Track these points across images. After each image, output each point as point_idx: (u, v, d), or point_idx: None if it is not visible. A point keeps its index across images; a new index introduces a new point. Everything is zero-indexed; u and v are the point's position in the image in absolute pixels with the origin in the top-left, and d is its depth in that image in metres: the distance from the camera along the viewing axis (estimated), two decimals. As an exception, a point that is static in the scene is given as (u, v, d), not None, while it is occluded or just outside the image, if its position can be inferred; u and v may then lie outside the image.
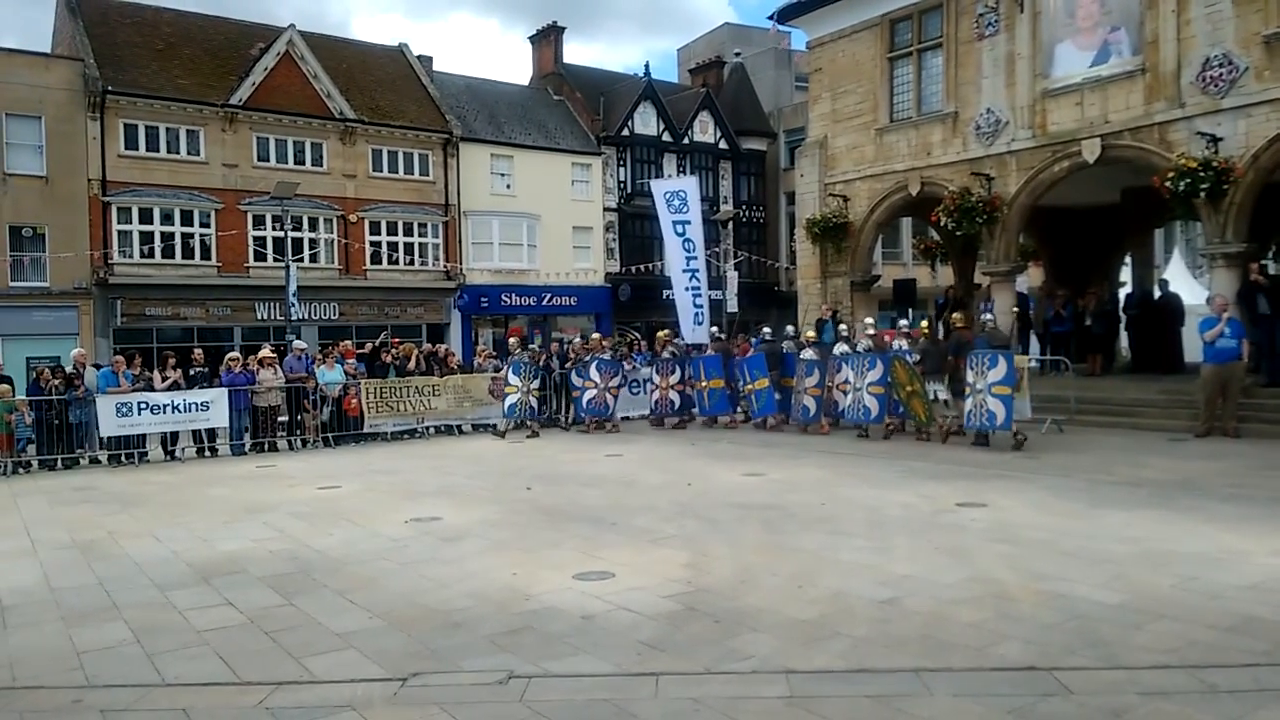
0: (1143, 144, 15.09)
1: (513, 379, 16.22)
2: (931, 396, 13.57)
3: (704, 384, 16.60)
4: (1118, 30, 15.50)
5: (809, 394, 15.09)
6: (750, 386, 16.04)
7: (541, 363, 17.44)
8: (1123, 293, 20.20)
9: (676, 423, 16.91)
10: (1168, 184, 14.12)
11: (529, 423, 16.39)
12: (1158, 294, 18.25)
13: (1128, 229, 19.97)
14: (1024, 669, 4.48)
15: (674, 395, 16.93)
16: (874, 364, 14.16)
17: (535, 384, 16.47)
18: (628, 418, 17.85)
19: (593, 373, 16.44)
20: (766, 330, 18.23)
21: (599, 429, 16.37)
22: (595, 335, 18.36)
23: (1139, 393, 15.14)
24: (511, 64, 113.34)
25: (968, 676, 4.43)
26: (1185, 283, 23.37)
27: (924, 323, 15.26)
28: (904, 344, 14.77)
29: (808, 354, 15.36)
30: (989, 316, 14.84)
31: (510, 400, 16.19)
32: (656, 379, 17.09)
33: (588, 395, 16.40)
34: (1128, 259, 21.38)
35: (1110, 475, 10.11)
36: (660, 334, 18.65)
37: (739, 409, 16.88)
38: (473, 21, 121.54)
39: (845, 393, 14.55)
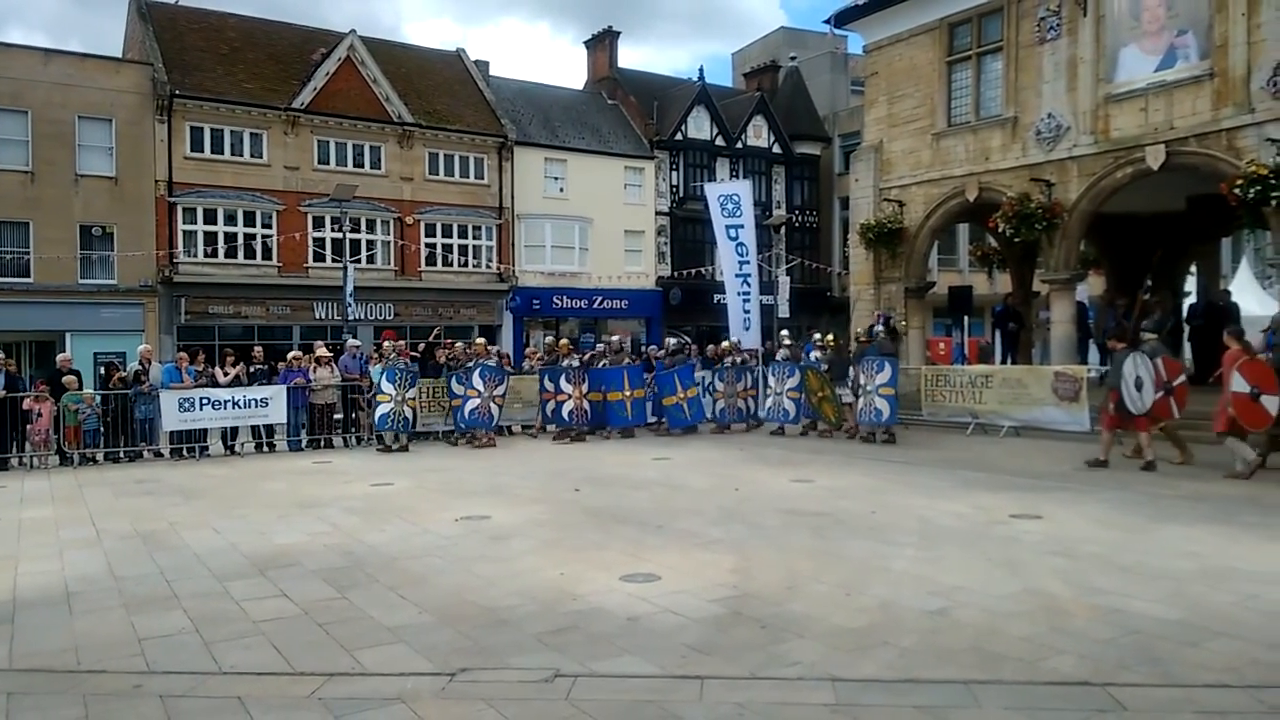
0: (1210, 150, 14.69)
1: (386, 387, 14.94)
2: (841, 400, 15.44)
3: (680, 395, 16.47)
4: (1185, 34, 15.13)
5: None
6: (680, 395, 16.36)
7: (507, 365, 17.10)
8: (1187, 303, 19.70)
9: (574, 435, 15.79)
10: (1236, 191, 13.73)
11: (401, 436, 15.04)
12: (1219, 302, 17.75)
13: (1193, 237, 19.47)
14: (1077, 684, 4.39)
15: (586, 405, 15.95)
16: (792, 372, 16.34)
17: (411, 393, 15.18)
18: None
19: (476, 380, 15.15)
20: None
21: (481, 442, 14.97)
22: (480, 340, 16.94)
23: (1200, 404, 14.71)
24: (561, 67, 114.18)
25: (1019, 690, 4.35)
26: (1254, 293, 22.73)
27: (830, 335, 17.47)
28: (817, 354, 16.93)
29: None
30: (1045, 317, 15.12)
31: (382, 410, 14.88)
32: (567, 388, 15.91)
33: (470, 405, 15.08)
34: (1193, 268, 20.84)
35: (1172, 490, 9.86)
36: (562, 342, 17.65)
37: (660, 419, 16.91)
38: (523, 26, 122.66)
39: (767, 396, 16.69)
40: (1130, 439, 12.18)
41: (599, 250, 33.07)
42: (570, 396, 15.91)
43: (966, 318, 24.89)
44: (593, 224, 32.99)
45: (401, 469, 12.67)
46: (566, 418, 15.93)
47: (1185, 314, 18.52)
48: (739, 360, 17.90)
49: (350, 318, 20.97)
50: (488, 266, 31.15)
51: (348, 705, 4.28)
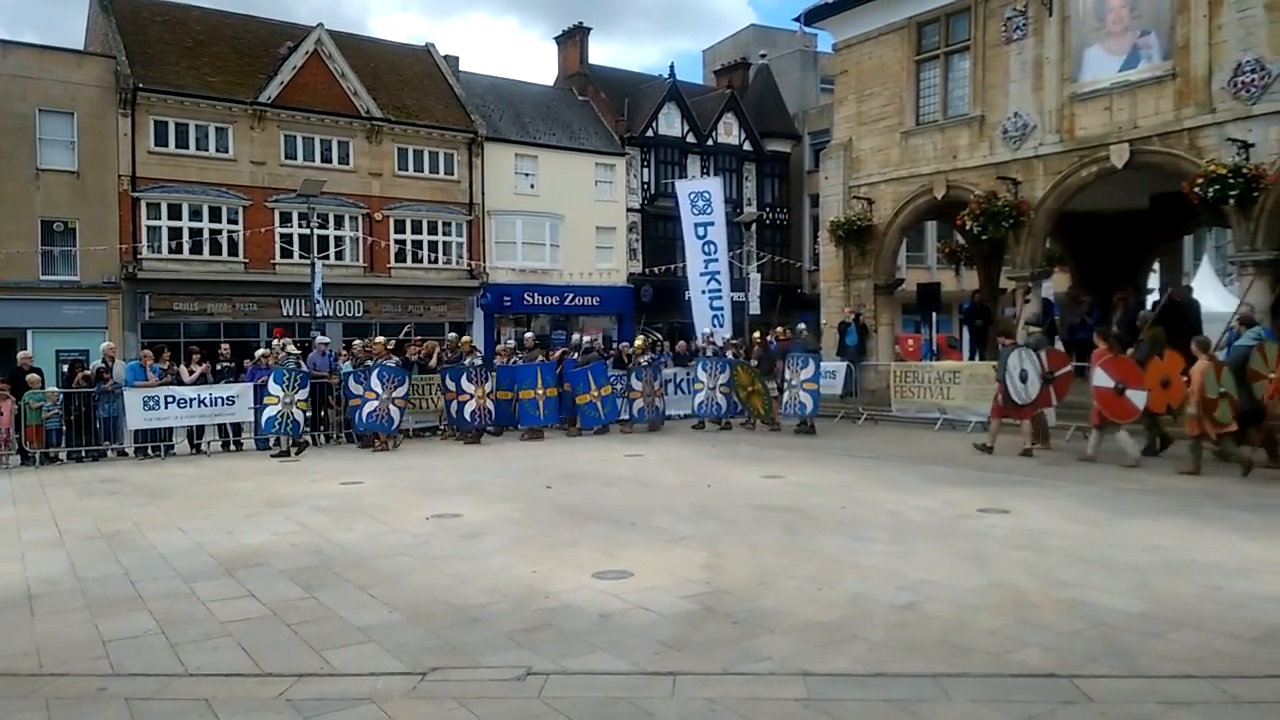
0: (1172, 149, 14.93)
1: (273, 389, 14.17)
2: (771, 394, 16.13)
3: (594, 393, 15.99)
4: (1148, 34, 15.35)
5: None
6: (594, 394, 15.95)
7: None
8: (1150, 300, 19.99)
9: (470, 436, 15.28)
10: (1197, 190, 13.97)
11: (296, 440, 14.30)
12: (1178, 299, 18.00)
13: (1156, 235, 19.76)
14: (1044, 676, 4.45)
15: (490, 405, 15.40)
16: (724, 368, 16.74)
17: (301, 394, 14.32)
18: (671, 417, 17.75)
19: (374, 382, 14.57)
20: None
21: (382, 447, 14.40)
22: (379, 340, 16.16)
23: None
24: (529, 62, 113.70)
25: (986, 682, 4.40)
26: (1215, 290, 23.11)
27: (756, 334, 18.14)
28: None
29: (712, 350, 17.84)
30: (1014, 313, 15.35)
31: (269, 413, 14.14)
32: (470, 388, 15.30)
33: (368, 407, 14.50)
34: (1156, 265, 21.17)
35: (1135, 484, 10.02)
36: (464, 339, 16.96)
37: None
38: (490, 21, 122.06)
39: (699, 391, 16.84)
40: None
41: (570, 247, 33.00)
42: (472, 396, 15.26)
43: (935, 314, 25.09)
44: (564, 220, 32.93)
45: (372, 467, 12.58)
46: (468, 418, 15.27)
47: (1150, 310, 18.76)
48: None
49: (318, 315, 20.79)
50: (458, 263, 30.99)
51: (317, 706, 4.25)
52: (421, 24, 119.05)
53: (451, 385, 15.42)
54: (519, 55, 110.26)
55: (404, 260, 29.80)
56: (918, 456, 12.59)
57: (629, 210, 34.92)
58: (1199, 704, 4.11)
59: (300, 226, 26.93)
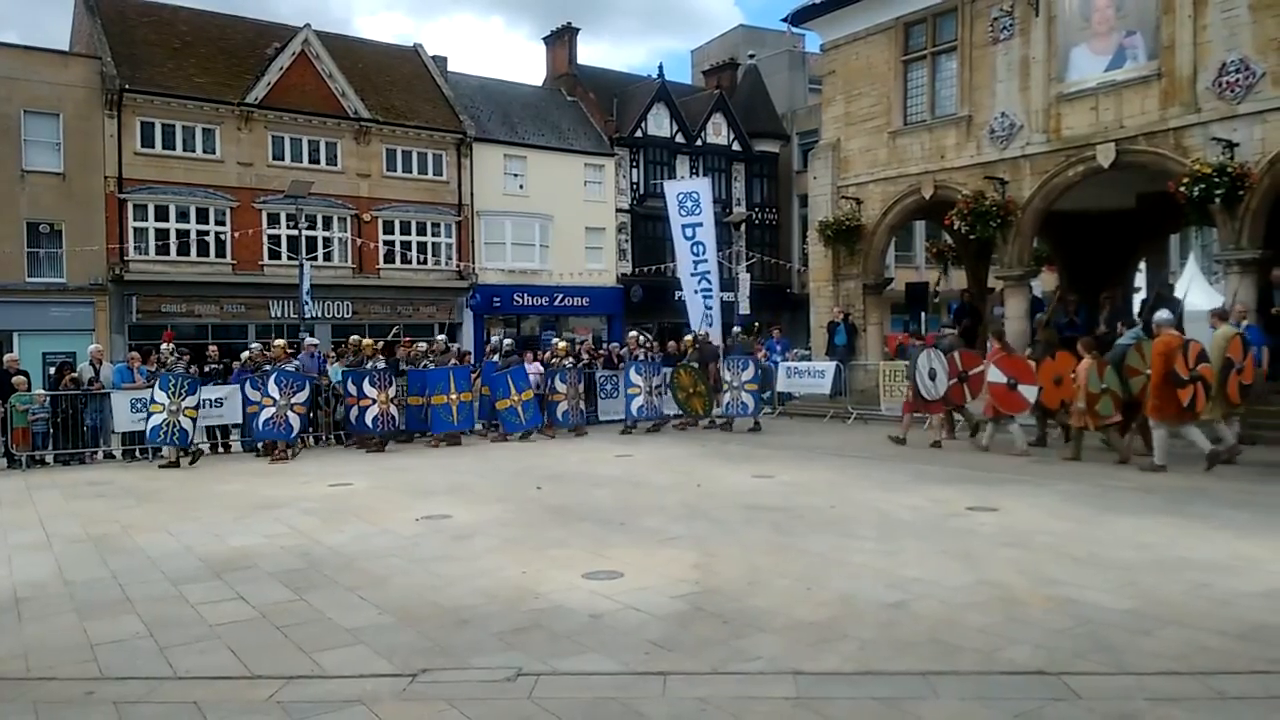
0: (1158, 149, 15.01)
1: (159, 396, 13.29)
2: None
3: (515, 398, 15.35)
4: (1133, 34, 15.43)
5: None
6: (514, 399, 15.33)
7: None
8: (1138, 298, 20.10)
9: (375, 443, 14.53)
10: (1182, 189, 14.05)
11: (186, 449, 13.53)
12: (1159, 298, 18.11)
13: (1143, 234, 19.86)
14: (1032, 673, 4.47)
15: (394, 410, 14.77)
16: (657, 370, 16.79)
17: (189, 401, 13.41)
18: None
19: (271, 387, 13.76)
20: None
21: (277, 455, 13.62)
22: (279, 343, 15.34)
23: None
24: (516, 62, 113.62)
25: (975, 680, 4.42)
26: (1201, 289, 23.25)
27: (689, 337, 18.32)
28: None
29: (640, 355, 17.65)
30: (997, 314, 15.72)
31: (154, 421, 13.30)
32: (372, 392, 14.57)
33: (265, 414, 13.72)
34: (1142, 264, 21.28)
35: (1123, 482, 10.08)
36: (365, 342, 15.90)
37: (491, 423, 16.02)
38: (475, 21, 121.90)
39: (635, 395, 16.53)
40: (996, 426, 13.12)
41: (560, 247, 33.00)
42: (375, 401, 14.55)
43: (923, 313, 25.16)
44: (553, 221, 32.92)
45: (361, 469, 12.54)
46: (370, 424, 14.51)
47: (1137, 310, 18.84)
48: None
49: (307, 316, 20.72)
50: (447, 264, 30.95)
51: (307, 708, 4.24)
52: (407, 23, 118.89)
53: (353, 389, 14.72)
54: (507, 55, 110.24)
55: (393, 261, 29.74)
56: (906, 455, 12.62)
57: (618, 211, 34.94)
58: (1186, 700, 4.14)
59: (288, 228, 26.88)
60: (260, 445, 14.29)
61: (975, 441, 13.31)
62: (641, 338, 18.45)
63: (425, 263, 30.35)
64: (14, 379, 13.83)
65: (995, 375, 12.55)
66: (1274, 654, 4.68)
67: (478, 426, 15.93)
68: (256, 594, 6.16)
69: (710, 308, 19.99)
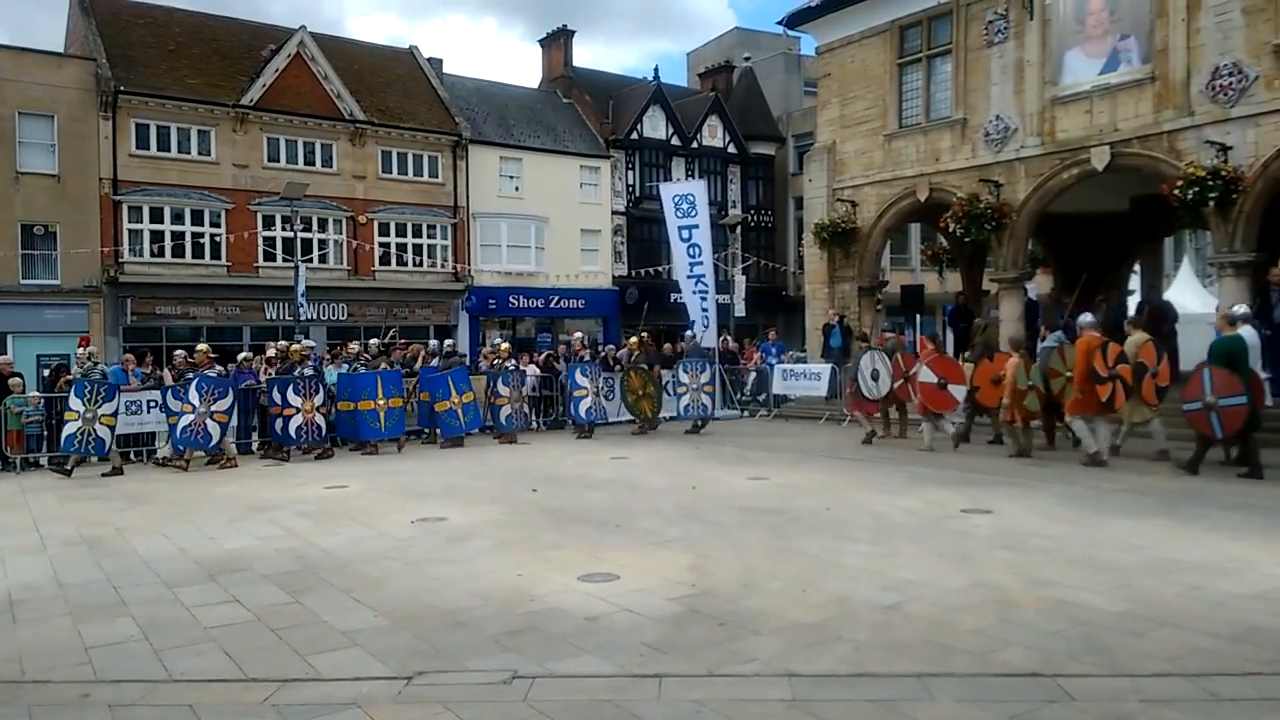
0: (1152, 152, 15.07)
1: (74, 404, 12.65)
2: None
3: (455, 400, 14.97)
4: (1127, 38, 15.49)
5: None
6: (454, 401, 14.95)
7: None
8: (1132, 301, 20.13)
9: (320, 452, 14.05)
10: (1176, 192, 14.11)
11: (103, 457, 12.98)
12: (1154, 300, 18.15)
13: (1137, 237, 19.92)
14: (1027, 675, 4.49)
15: (319, 419, 14.00)
16: (599, 371, 16.70)
17: (105, 408, 12.79)
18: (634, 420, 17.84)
19: (192, 395, 13.03)
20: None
21: (180, 465, 13.00)
22: (201, 347, 14.45)
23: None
24: (508, 63, 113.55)
25: (970, 682, 4.43)
26: (1195, 292, 23.32)
27: (634, 339, 18.50)
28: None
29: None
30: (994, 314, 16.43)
31: (69, 429, 12.63)
32: (296, 400, 13.78)
33: (183, 421, 12.98)
34: (1137, 267, 21.33)
35: (1117, 484, 10.10)
36: (294, 348, 15.21)
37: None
38: (467, 22, 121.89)
39: (583, 397, 16.29)
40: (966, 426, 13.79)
41: (555, 250, 32.99)
42: (299, 410, 13.76)
43: (919, 316, 25.20)
44: (549, 223, 32.91)
45: (357, 471, 12.53)
46: (293, 434, 13.80)
47: (1131, 312, 18.88)
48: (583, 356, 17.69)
49: (302, 318, 20.69)
50: (443, 266, 30.93)
51: (302, 711, 4.24)
52: (399, 25, 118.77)
53: (277, 398, 13.89)
54: (500, 57, 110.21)
55: (388, 263, 29.70)
56: (901, 458, 12.64)
57: (614, 213, 34.95)
58: (1179, 702, 4.15)
59: (283, 229, 26.83)
60: (182, 454, 13.25)
61: (918, 443, 13.66)
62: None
63: (421, 265, 30.33)
64: (9, 381, 13.80)
65: (926, 375, 13.16)
66: (1266, 655, 4.70)
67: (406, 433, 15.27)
68: (251, 596, 6.15)
69: (706, 310, 20.00)
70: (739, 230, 34.11)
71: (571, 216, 33.51)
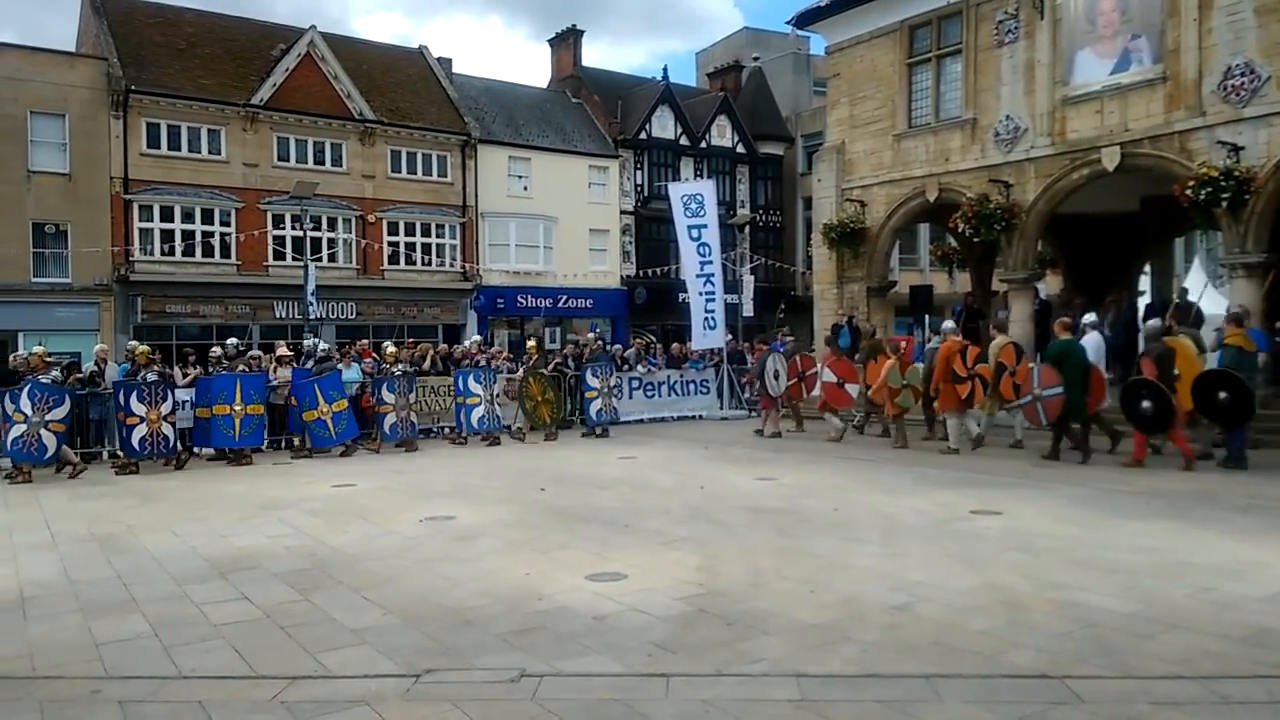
0: (1163, 152, 15.00)
1: (23, 405, 11.98)
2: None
3: (323, 409, 13.89)
4: (1138, 38, 15.42)
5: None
6: (323, 410, 13.88)
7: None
8: (1142, 302, 20.05)
9: (171, 461, 13.17)
10: (1188, 193, 14.03)
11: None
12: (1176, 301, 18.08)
13: (1147, 238, 19.83)
14: (1035, 676, 4.48)
15: (166, 429, 12.91)
16: (494, 379, 16.16)
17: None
18: (641, 420, 17.91)
19: (24, 403, 12.06)
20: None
21: (18, 478, 11.94)
22: (38, 349, 13.32)
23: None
24: (514, 62, 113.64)
25: (979, 683, 4.42)
26: (1205, 293, 23.18)
27: (531, 342, 18.27)
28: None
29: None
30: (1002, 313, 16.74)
31: (14, 433, 11.96)
32: (141, 409, 12.68)
33: (14, 431, 11.99)
34: (1147, 268, 21.25)
35: (1127, 486, 10.06)
36: (141, 349, 14.35)
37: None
38: (472, 22, 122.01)
39: (476, 405, 15.53)
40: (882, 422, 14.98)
41: (564, 249, 33.02)
42: (143, 419, 12.68)
43: (928, 316, 25.16)
44: (557, 223, 32.94)
45: (365, 470, 12.56)
46: (137, 446, 12.69)
47: (1142, 313, 18.80)
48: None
49: (311, 317, 20.75)
50: (451, 265, 30.98)
51: (311, 708, 4.25)
52: (404, 24, 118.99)
53: (122, 406, 12.83)
54: (506, 56, 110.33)
55: (397, 262, 29.78)
56: (910, 458, 12.62)
57: (622, 213, 34.96)
58: (1189, 704, 4.14)
59: (293, 229, 26.92)
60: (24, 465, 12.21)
61: (826, 435, 14.84)
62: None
63: (430, 264, 30.39)
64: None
65: (828, 375, 15.15)
66: (1276, 658, 4.68)
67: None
68: (261, 594, 6.18)
69: (713, 310, 19.99)
70: (747, 230, 34.13)
71: (580, 216, 33.53)
